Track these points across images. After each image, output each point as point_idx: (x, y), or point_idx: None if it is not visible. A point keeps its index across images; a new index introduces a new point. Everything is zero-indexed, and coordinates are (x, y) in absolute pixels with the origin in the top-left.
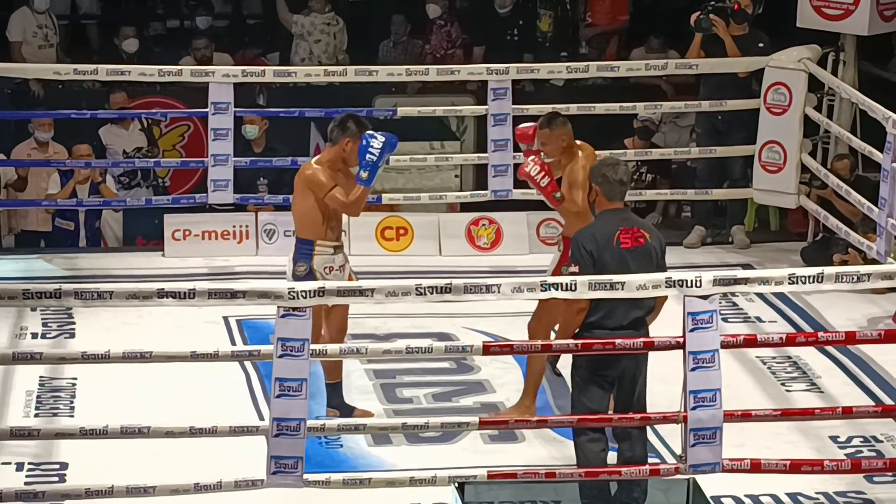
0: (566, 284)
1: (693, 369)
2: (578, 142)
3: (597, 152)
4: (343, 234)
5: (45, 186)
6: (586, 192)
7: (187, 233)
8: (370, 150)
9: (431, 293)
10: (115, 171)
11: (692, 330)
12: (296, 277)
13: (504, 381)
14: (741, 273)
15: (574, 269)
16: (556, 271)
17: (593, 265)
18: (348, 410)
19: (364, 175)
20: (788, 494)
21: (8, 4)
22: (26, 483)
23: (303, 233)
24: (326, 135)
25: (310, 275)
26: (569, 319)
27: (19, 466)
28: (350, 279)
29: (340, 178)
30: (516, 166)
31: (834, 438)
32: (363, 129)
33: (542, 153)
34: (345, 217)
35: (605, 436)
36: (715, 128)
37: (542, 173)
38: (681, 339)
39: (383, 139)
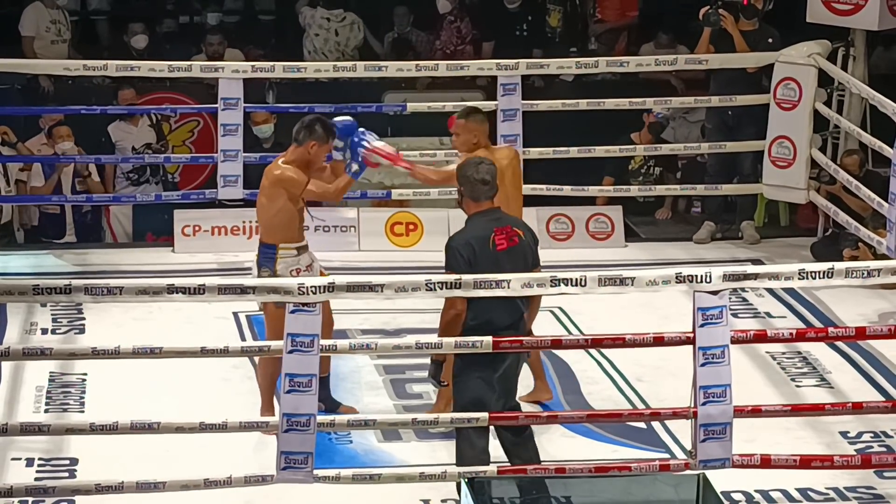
0: (576, 280)
1: (703, 365)
2: (504, 145)
3: (609, 148)
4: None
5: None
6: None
7: (197, 228)
8: (365, 144)
9: (441, 288)
10: (125, 167)
11: (702, 325)
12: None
13: None
14: (751, 268)
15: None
16: None
17: (470, 271)
18: (334, 405)
19: (355, 168)
20: (798, 490)
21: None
22: (37, 479)
23: (267, 237)
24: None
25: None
26: (448, 325)
27: (30, 462)
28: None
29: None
30: (525, 162)
31: (844, 434)
32: (329, 132)
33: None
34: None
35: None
36: (725, 123)
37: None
38: (690, 335)
39: (375, 138)
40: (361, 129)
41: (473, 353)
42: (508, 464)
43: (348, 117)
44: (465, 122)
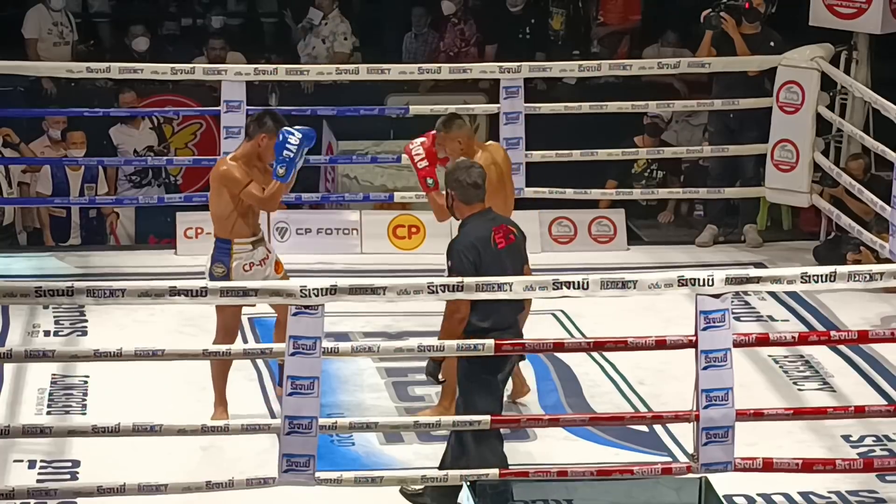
0: (579, 283)
1: (705, 368)
2: (490, 143)
3: (612, 151)
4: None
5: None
6: None
7: (199, 231)
8: (287, 145)
9: (443, 291)
10: (127, 170)
11: (704, 329)
12: (212, 278)
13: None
14: (753, 272)
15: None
16: None
17: (476, 273)
18: None
19: (280, 171)
20: (801, 493)
21: (23, 2)
22: (39, 481)
23: (220, 231)
24: (338, 133)
25: (227, 275)
26: (451, 329)
27: (31, 464)
28: (278, 269)
29: (256, 174)
30: (528, 165)
31: (846, 437)
32: (280, 124)
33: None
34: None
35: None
36: (727, 126)
37: (422, 155)
38: (693, 338)
39: (300, 135)
40: (287, 128)
41: (479, 356)
42: (511, 466)
43: (296, 133)
44: (446, 133)
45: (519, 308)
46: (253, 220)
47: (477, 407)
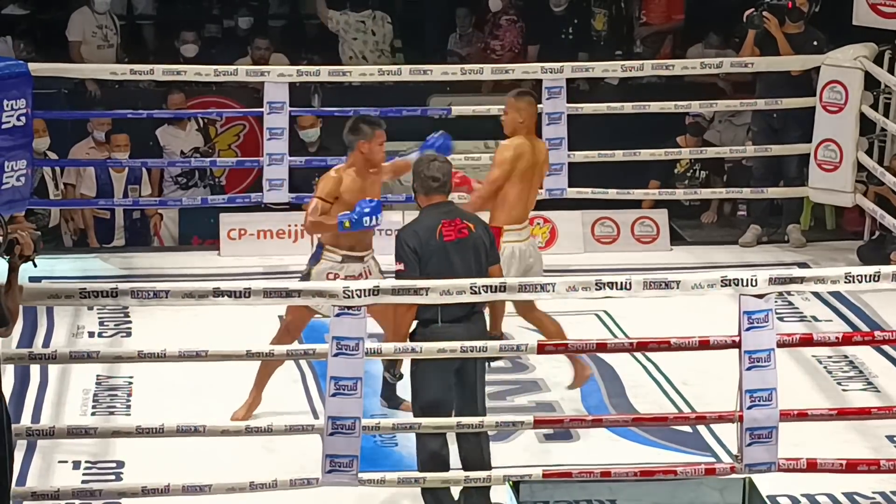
0: (622, 283)
1: (749, 368)
2: (540, 140)
3: (654, 151)
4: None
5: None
6: (502, 173)
7: (243, 232)
8: (365, 217)
9: (486, 292)
10: (173, 171)
11: (748, 329)
12: (301, 276)
13: (559, 379)
14: (797, 272)
15: (399, 266)
16: None
17: (418, 262)
18: (396, 403)
19: (346, 223)
20: (845, 494)
21: (66, 4)
22: (83, 481)
23: (322, 236)
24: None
25: (307, 277)
26: (400, 319)
27: (76, 465)
28: None
29: (371, 183)
30: (571, 165)
31: (891, 438)
32: (375, 126)
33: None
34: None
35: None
36: (771, 126)
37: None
38: (736, 338)
39: (376, 212)
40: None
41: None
42: (554, 467)
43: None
44: (514, 100)
45: (470, 303)
46: (349, 237)
47: (420, 404)
